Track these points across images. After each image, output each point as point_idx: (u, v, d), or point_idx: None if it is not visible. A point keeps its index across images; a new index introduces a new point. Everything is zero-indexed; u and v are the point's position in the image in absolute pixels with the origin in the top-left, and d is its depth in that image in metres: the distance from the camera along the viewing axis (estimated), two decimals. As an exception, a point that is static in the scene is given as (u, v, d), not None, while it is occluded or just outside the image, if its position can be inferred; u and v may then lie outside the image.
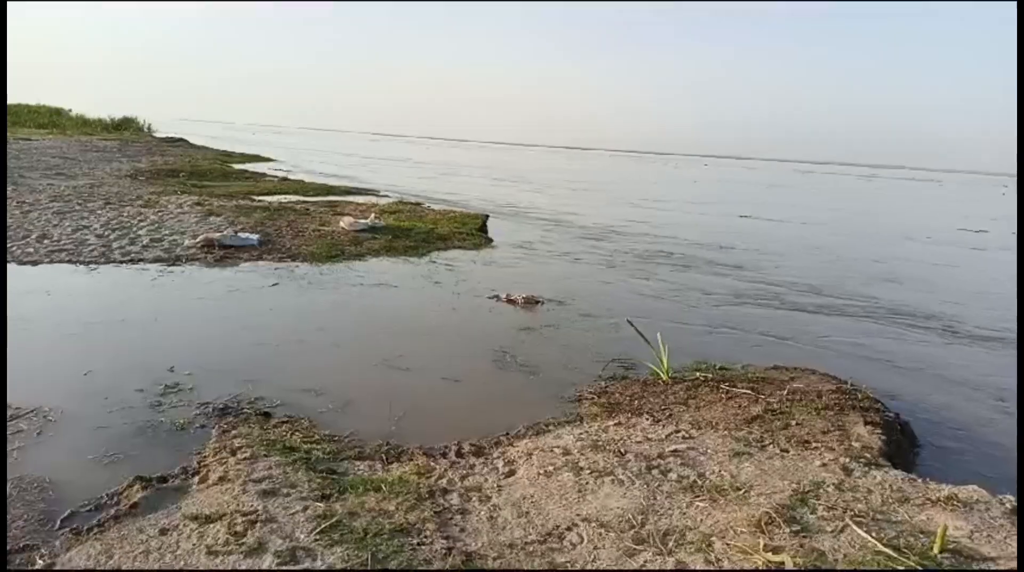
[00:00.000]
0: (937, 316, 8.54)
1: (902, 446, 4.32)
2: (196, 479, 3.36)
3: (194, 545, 2.76)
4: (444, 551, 2.78)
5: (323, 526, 2.91)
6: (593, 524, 3.04)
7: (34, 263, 8.02)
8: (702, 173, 59.15)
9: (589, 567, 2.72)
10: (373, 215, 12.29)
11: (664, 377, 5.13)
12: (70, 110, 45.54)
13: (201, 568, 2.62)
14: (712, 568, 2.71)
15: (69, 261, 8.24)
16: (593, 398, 4.84)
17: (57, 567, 2.63)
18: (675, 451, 3.81)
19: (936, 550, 2.79)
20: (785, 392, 4.80)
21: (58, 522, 2.98)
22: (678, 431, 4.13)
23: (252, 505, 3.08)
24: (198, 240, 9.52)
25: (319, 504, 3.11)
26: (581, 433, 4.11)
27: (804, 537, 2.92)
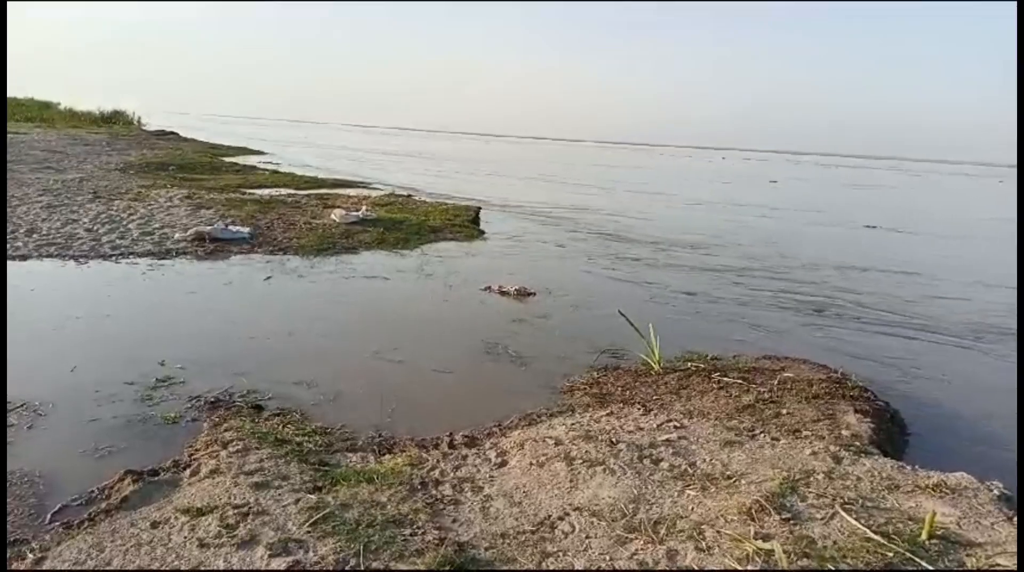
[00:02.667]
0: None
1: (892, 434, 4.35)
2: (187, 472, 3.35)
3: (186, 538, 2.76)
4: (436, 541, 2.78)
5: (315, 518, 2.91)
6: (585, 513, 3.05)
7: (23, 258, 7.96)
8: (777, 171, 50.36)
9: (581, 556, 2.74)
10: (365, 207, 12.25)
11: (656, 367, 5.14)
12: (59, 103, 45.09)
13: (193, 561, 2.61)
14: (703, 556, 2.72)
15: (58, 255, 8.18)
16: (585, 388, 4.85)
17: (48, 560, 2.62)
18: (667, 440, 3.82)
19: (924, 536, 2.81)
20: (776, 381, 4.83)
21: (49, 516, 2.98)
22: (669, 420, 4.14)
23: (244, 498, 3.08)
24: (189, 233, 9.47)
25: (311, 496, 3.11)
26: (573, 423, 4.12)
27: (794, 524, 2.94)
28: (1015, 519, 3.01)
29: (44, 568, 2.58)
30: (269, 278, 7.81)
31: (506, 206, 16.72)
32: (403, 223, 11.75)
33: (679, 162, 62.68)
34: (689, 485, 3.31)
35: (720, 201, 22.46)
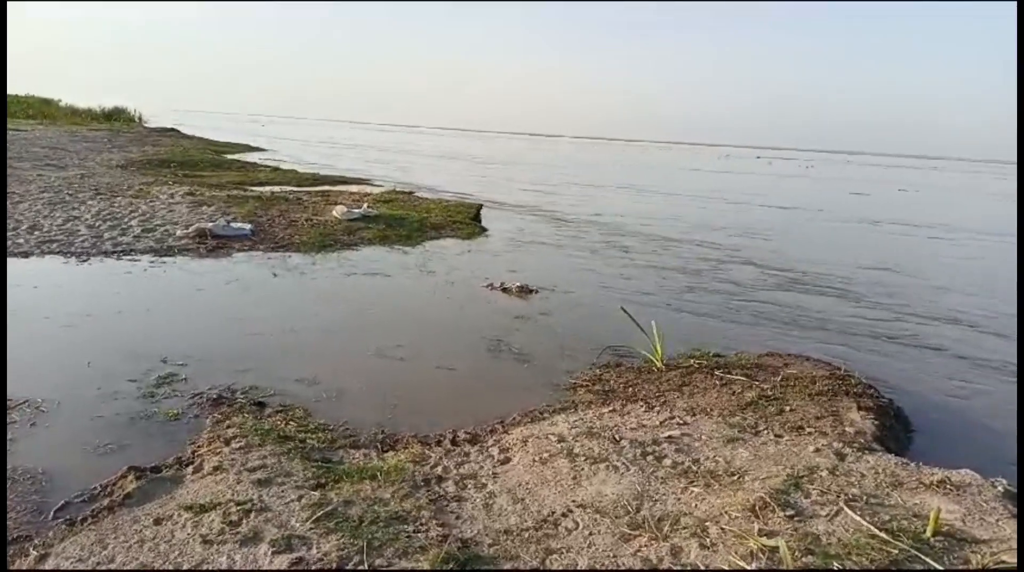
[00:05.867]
0: None
1: (896, 431, 4.34)
2: (190, 469, 3.35)
3: (189, 535, 2.75)
4: (439, 538, 2.78)
5: (318, 514, 2.90)
6: (588, 510, 3.04)
7: (25, 255, 7.96)
8: (899, 177, 45.54)
9: (584, 553, 2.73)
10: (366, 204, 12.24)
11: (658, 364, 5.13)
12: (60, 100, 45.07)
13: (196, 558, 2.61)
14: (707, 552, 2.72)
15: (60, 252, 8.17)
16: (588, 385, 4.84)
17: (51, 558, 2.62)
18: (669, 437, 3.82)
19: (929, 533, 2.80)
20: (779, 378, 4.82)
21: (51, 513, 2.97)
22: (672, 417, 4.14)
23: (247, 494, 3.07)
24: (190, 230, 9.46)
25: (314, 493, 3.11)
26: (576, 420, 4.11)
27: (798, 521, 2.93)
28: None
29: (47, 565, 2.58)
30: (276, 275, 7.81)
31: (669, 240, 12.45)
32: (404, 220, 11.74)
33: (745, 164, 57.93)
34: (692, 482, 3.31)
35: (879, 218, 18.49)
